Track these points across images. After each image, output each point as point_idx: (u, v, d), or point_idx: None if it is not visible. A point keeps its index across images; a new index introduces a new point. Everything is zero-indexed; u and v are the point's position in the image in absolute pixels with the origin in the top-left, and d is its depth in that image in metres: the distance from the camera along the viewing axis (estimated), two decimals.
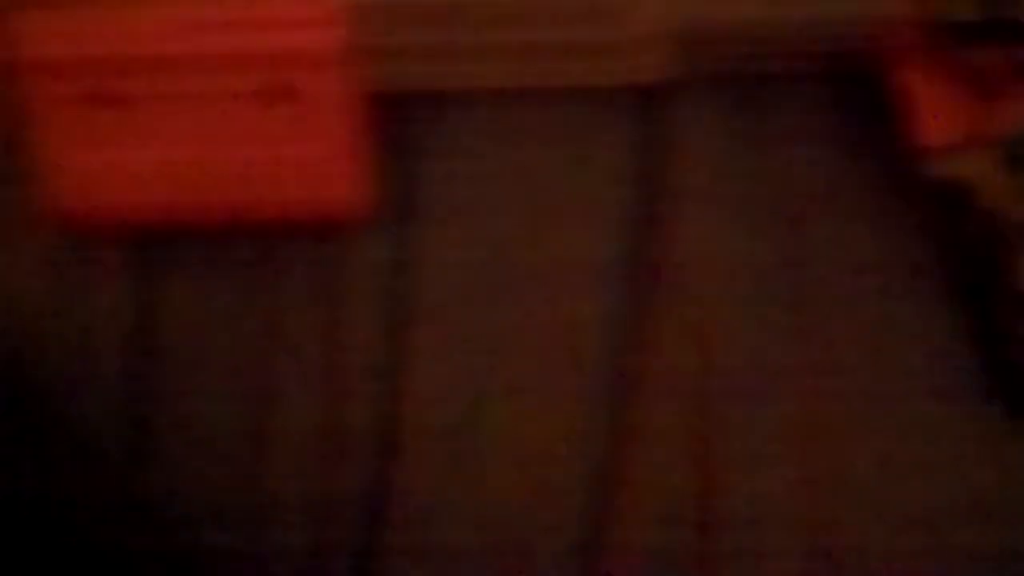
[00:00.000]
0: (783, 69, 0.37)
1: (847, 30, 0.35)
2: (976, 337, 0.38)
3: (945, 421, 0.38)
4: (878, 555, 0.39)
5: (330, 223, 0.37)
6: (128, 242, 0.38)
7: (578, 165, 0.39)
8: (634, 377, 0.39)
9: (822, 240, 0.39)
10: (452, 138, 0.39)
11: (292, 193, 0.35)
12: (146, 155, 0.35)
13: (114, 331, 0.39)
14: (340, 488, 0.39)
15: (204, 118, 0.34)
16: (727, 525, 0.39)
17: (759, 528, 0.39)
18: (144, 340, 0.39)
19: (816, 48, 0.35)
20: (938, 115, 0.36)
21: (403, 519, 0.39)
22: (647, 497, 0.39)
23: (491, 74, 0.36)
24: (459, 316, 0.39)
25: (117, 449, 0.39)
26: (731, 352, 0.39)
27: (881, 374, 0.39)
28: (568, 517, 0.39)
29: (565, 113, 0.39)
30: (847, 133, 0.38)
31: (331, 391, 0.39)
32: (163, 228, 0.36)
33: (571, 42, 0.35)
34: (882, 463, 0.39)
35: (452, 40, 0.35)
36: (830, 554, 0.39)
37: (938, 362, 0.38)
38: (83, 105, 0.34)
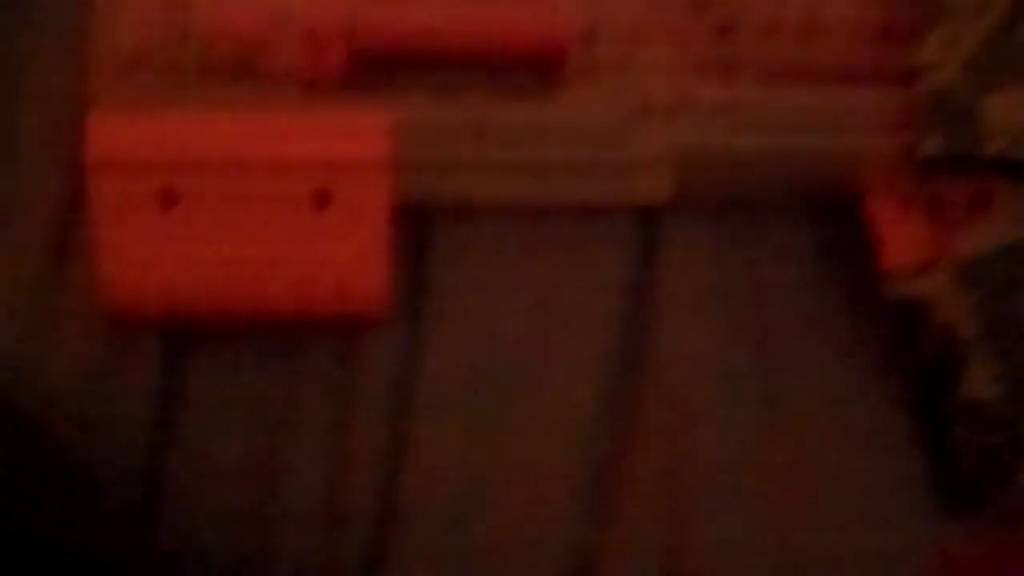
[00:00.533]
0: (768, 194, 0.42)
1: (826, 162, 0.40)
2: (929, 438, 0.42)
3: (900, 511, 0.42)
4: None
5: (351, 319, 0.40)
6: (163, 329, 0.41)
7: (578, 275, 0.43)
8: (619, 466, 0.42)
9: (795, 349, 0.43)
10: (464, 247, 0.43)
11: (323, 290, 0.38)
12: (196, 250, 0.38)
13: (140, 409, 0.41)
14: (342, 560, 0.42)
15: (252, 218, 0.38)
16: None
17: None
18: (166, 417, 0.41)
19: (798, 176, 0.40)
20: (901, 241, 0.40)
21: None
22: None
23: (505, 189, 0.40)
24: (461, 407, 0.42)
25: (133, 511, 0.41)
26: (709, 446, 0.42)
27: (844, 470, 0.43)
28: None
29: (568, 228, 0.43)
30: (824, 254, 0.43)
31: (337, 472, 0.41)
32: (200, 318, 0.39)
33: (579, 161, 0.40)
34: (842, 546, 0.42)
35: (472, 156, 0.39)
36: None
37: (895, 462, 0.42)
38: (144, 202, 0.37)
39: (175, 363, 0.41)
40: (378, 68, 0.39)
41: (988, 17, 0.39)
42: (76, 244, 0.40)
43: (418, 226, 0.42)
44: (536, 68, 0.39)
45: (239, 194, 0.38)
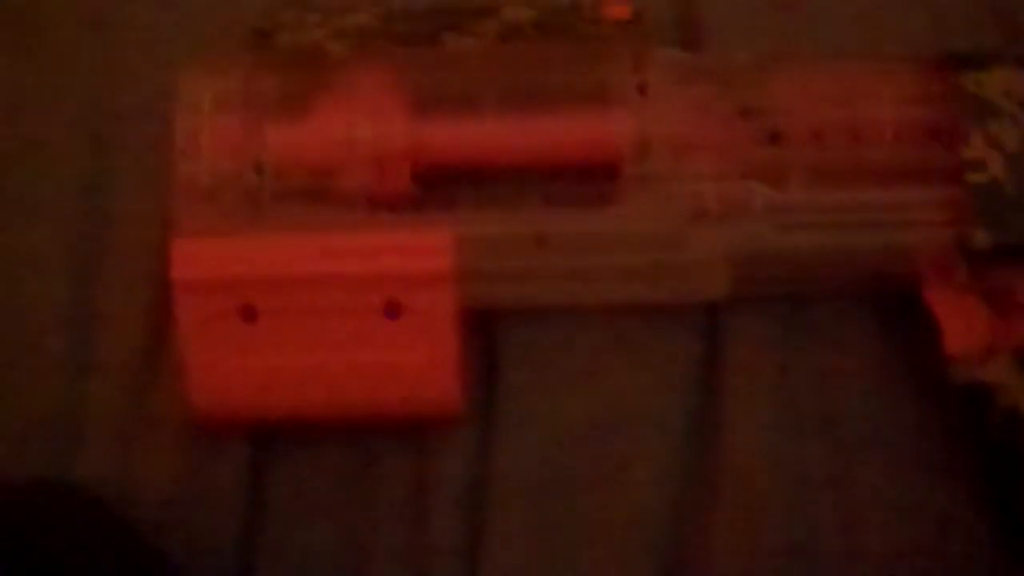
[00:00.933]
0: (824, 288, 0.43)
1: (883, 256, 0.41)
2: (998, 517, 0.43)
3: None
4: None
5: (426, 420, 0.42)
6: (248, 437, 0.43)
7: (644, 372, 0.44)
8: (692, 563, 0.43)
9: (861, 435, 0.43)
10: (532, 347, 0.44)
11: (398, 394, 0.40)
12: (278, 362, 0.40)
13: (229, 512, 0.43)
14: None
15: (328, 329, 0.40)
16: None
17: None
18: (254, 519, 0.43)
19: (856, 271, 0.41)
20: (961, 328, 0.41)
21: None
22: None
23: (570, 293, 0.42)
24: (533, 505, 0.43)
25: None
26: (777, 538, 0.43)
27: (915, 551, 0.43)
28: None
29: (633, 326, 0.44)
30: (883, 341, 0.44)
31: (416, 569, 0.43)
32: (283, 423, 0.41)
33: (637, 266, 0.41)
34: None
35: (534, 266, 0.41)
36: None
37: (963, 544, 0.43)
38: (226, 318, 0.40)
39: (261, 467, 0.43)
40: (442, 185, 0.42)
41: None
42: (164, 359, 0.43)
43: (488, 330, 0.44)
44: (592, 179, 0.41)
45: (315, 308, 0.40)
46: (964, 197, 0.40)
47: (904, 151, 0.41)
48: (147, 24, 0.48)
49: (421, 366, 0.40)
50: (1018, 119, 0.40)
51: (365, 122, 0.41)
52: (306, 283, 0.40)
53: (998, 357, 0.41)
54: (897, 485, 0.43)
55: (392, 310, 0.40)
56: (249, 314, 0.40)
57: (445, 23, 0.44)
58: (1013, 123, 0.40)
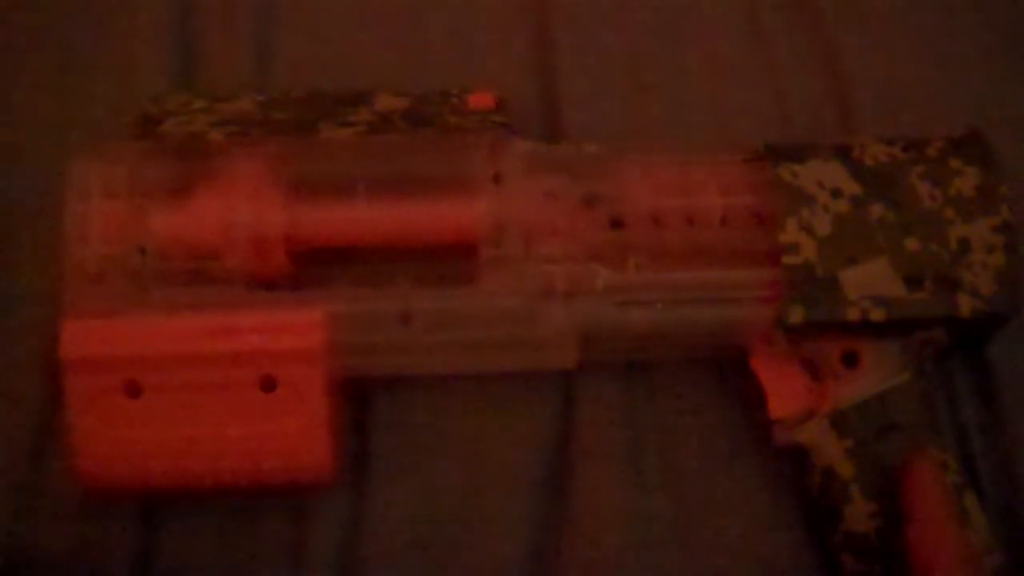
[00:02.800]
0: (664, 356, 0.47)
1: (713, 329, 0.45)
2: (818, 561, 0.47)
3: None
4: None
5: (302, 486, 0.45)
6: (138, 503, 0.46)
7: (505, 434, 0.48)
8: None
9: (699, 490, 0.48)
10: (401, 412, 0.48)
11: (274, 462, 0.43)
12: (161, 434, 0.43)
13: (120, 569, 0.46)
14: None
15: (209, 403, 0.43)
16: None
17: None
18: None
19: (689, 341, 0.46)
20: (783, 393, 0.46)
21: None
22: None
23: (435, 364, 0.46)
24: (403, 561, 0.47)
25: None
26: None
27: None
28: None
29: (495, 391, 0.48)
30: (720, 403, 0.48)
31: None
32: (167, 490, 0.44)
33: (494, 339, 0.45)
34: None
35: (399, 340, 0.45)
36: None
37: None
38: (112, 393, 0.43)
39: (150, 531, 0.46)
40: (317, 265, 0.45)
41: (840, 201, 0.45)
42: (56, 433, 0.46)
43: (361, 398, 0.48)
44: (453, 260, 0.45)
45: (195, 383, 0.43)
46: (781, 277, 0.45)
47: (730, 235, 0.45)
48: (39, 110, 0.51)
49: (295, 436, 0.43)
50: (828, 206, 0.45)
51: (243, 206, 0.45)
52: (186, 360, 0.43)
53: (814, 420, 0.46)
54: (731, 535, 0.47)
55: (267, 384, 0.43)
56: (134, 390, 0.43)
57: (322, 111, 0.47)
58: (824, 210, 0.45)
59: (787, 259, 0.45)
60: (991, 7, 0.56)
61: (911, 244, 0.45)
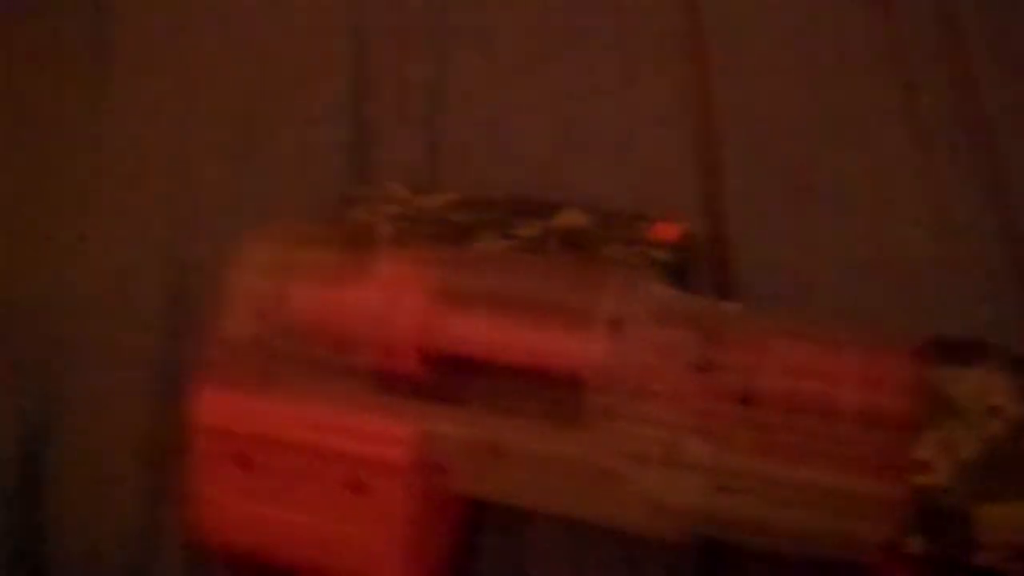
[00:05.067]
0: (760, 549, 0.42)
1: (815, 538, 0.40)
2: None
3: None
4: None
5: None
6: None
7: None
8: None
9: None
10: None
11: (354, 563, 0.44)
12: (260, 507, 0.45)
13: None
14: None
15: (304, 492, 0.45)
16: None
17: None
18: None
19: (787, 543, 0.41)
20: None
21: None
22: None
23: (524, 499, 0.44)
24: None
25: None
26: None
27: None
28: None
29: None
30: None
31: None
32: (261, 560, 0.46)
33: (584, 491, 0.42)
34: None
35: (490, 472, 0.44)
36: None
37: None
38: (227, 463, 0.45)
39: None
40: (446, 374, 0.45)
41: (994, 423, 0.38)
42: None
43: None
44: (558, 403, 0.43)
45: (293, 470, 0.45)
46: (907, 497, 0.38)
47: (860, 437, 0.39)
48: (219, 181, 0.55)
49: (373, 542, 0.44)
50: (980, 426, 0.38)
51: (382, 305, 0.45)
52: (292, 447, 0.45)
53: None
54: None
55: (356, 487, 0.44)
56: (245, 462, 0.45)
57: (500, 218, 0.47)
58: (972, 429, 0.38)
59: (916, 479, 0.38)
60: None
61: None
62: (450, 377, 0.45)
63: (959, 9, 0.51)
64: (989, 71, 0.50)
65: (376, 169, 0.54)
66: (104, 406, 0.53)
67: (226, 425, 0.45)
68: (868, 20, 0.52)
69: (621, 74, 0.53)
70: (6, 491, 0.53)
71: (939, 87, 0.50)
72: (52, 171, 0.58)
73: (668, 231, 0.45)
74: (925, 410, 0.38)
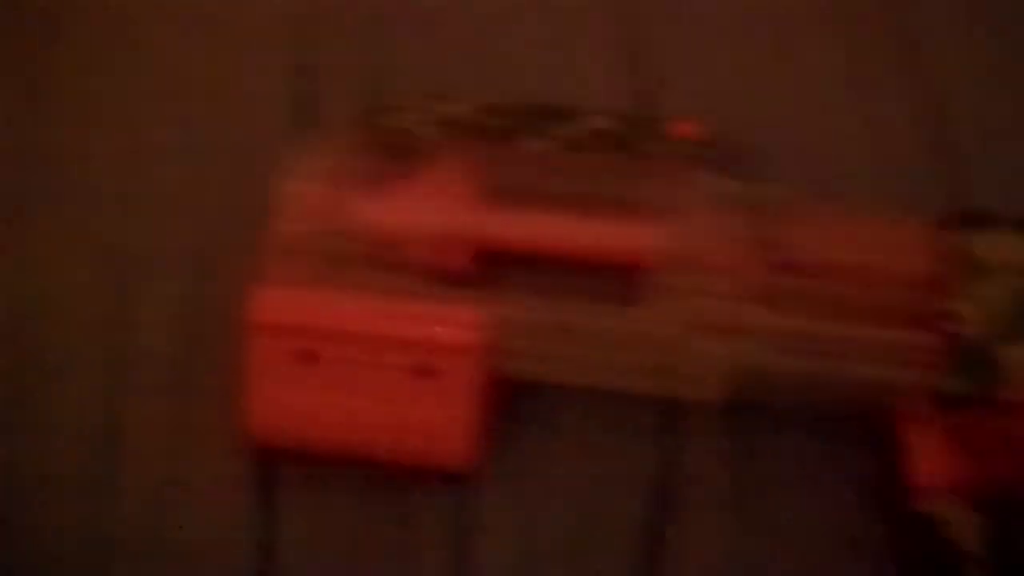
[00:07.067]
0: (812, 409, 0.47)
1: (863, 388, 0.45)
2: None
3: None
4: None
5: (439, 472, 0.48)
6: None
7: (609, 473, 0.49)
8: None
9: (807, 545, 0.48)
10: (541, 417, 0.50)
11: (420, 445, 0.47)
12: (325, 402, 0.47)
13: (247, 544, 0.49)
14: None
15: (371, 380, 0.47)
16: None
17: None
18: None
19: (836, 397, 0.46)
20: (927, 464, 0.45)
21: None
22: None
23: (580, 376, 0.47)
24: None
25: None
26: None
27: None
28: None
29: (599, 428, 0.49)
30: (847, 464, 0.48)
31: None
32: (320, 452, 0.48)
33: (643, 363, 0.46)
34: None
35: (557, 351, 0.47)
36: None
37: None
38: (287, 359, 0.47)
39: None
40: (496, 268, 0.48)
41: (1018, 277, 0.44)
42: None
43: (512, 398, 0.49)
44: (621, 281, 0.47)
45: (361, 360, 0.46)
46: (943, 345, 0.44)
47: (900, 297, 0.45)
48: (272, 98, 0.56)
49: (441, 423, 0.46)
50: (1003, 280, 0.44)
51: (434, 204, 0.48)
52: (357, 338, 0.47)
53: (955, 497, 0.44)
54: None
55: (423, 371, 0.46)
56: (307, 358, 0.47)
57: (530, 122, 0.50)
58: (997, 284, 0.44)
59: (950, 327, 0.44)
60: None
61: None
62: (499, 272, 0.48)
63: None
64: None
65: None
66: (54, 403, 0.52)
67: (288, 321, 0.47)
68: None
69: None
70: None
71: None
72: None
73: (687, 128, 0.50)
74: (955, 269, 0.44)
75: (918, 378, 0.44)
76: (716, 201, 0.47)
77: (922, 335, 0.44)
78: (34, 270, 0.53)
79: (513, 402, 0.49)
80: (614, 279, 0.47)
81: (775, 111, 0.55)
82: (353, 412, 0.47)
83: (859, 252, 0.46)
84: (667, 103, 0.55)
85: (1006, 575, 0.43)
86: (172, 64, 0.58)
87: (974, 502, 0.44)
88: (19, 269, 0.53)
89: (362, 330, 0.47)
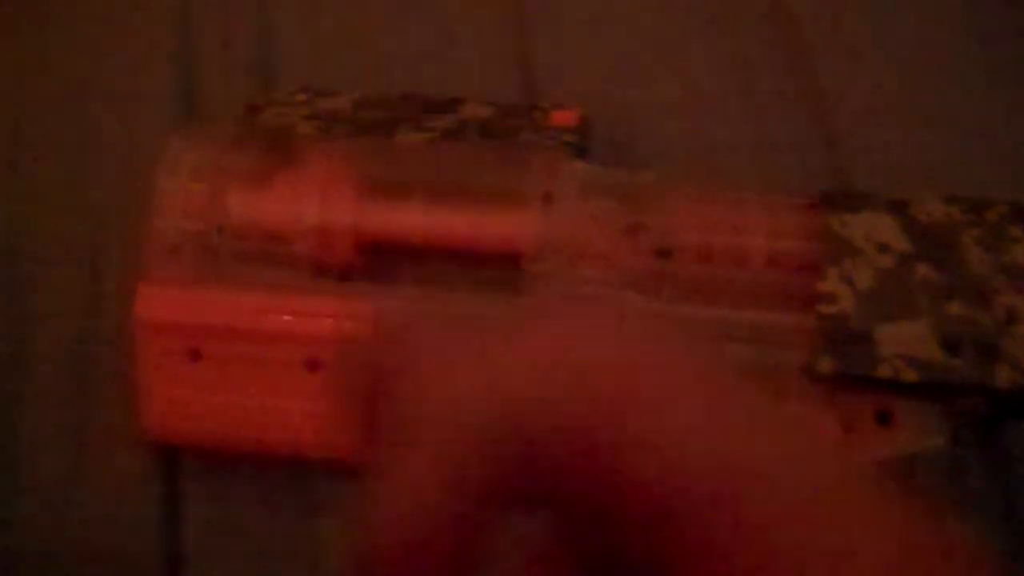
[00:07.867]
0: None
1: (744, 372, 0.46)
2: None
3: None
4: None
5: (333, 464, 0.48)
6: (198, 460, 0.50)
7: None
8: None
9: None
10: None
11: (310, 437, 0.47)
12: (213, 398, 0.47)
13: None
14: None
15: (259, 376, 0.47)
16: None
17: None
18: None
19: None
20: None
21: None
22: None
23: None
24: None
25: None
26: None
27: None
28: None
29: None
30: None
31: None
32: (210, 448, 0.48)
33: None
34: None
35: None
36: None
37: None
38: (174, 356, 0.47)
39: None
40: (379, 260, 0.48)
41: (886, 256, 0.45)
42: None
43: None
44: (501, 270, 0.47)
45: (248, 356, 0.47)
46: (815, 325, 0.45)
47: (771, 279, 0.46)
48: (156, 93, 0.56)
49: (331, 416, 0.47)
50: (873, 261, 0.45)
51: (315, 197, 0.48)
52: (243, 334, 0.47)
53: None
54: None
55: (312, 365, 0.47)
56: (194, 355, 0.47)
57: (407, 114, 0.50)
58: (868, 264, 0.45)
59: (823, 308, 0.45)
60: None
61: (954, 308, 0.44)
62: (382, 264, 0.49)
63: None
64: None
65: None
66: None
67: (174, 319, 0.47)
68: None
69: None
70: None
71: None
72: None
73: (566, 117, 0.50)
74: (825, 250, 0.45)
75: (794, 359, 0.45)
76: (590, 188, 0.47)
77: (797, 316, 0.45)
78: None
79: None
80: (506, 269, 0.48)
81: (659, 98, 0.55)
82: (244, 408, 0.47)
83: (733, 234, 0.46)
84: (553, 94, 0.55)
85: None
86: (57, 59, 0.58)
87: None
88: None
89: (248, 326, 0.47)
